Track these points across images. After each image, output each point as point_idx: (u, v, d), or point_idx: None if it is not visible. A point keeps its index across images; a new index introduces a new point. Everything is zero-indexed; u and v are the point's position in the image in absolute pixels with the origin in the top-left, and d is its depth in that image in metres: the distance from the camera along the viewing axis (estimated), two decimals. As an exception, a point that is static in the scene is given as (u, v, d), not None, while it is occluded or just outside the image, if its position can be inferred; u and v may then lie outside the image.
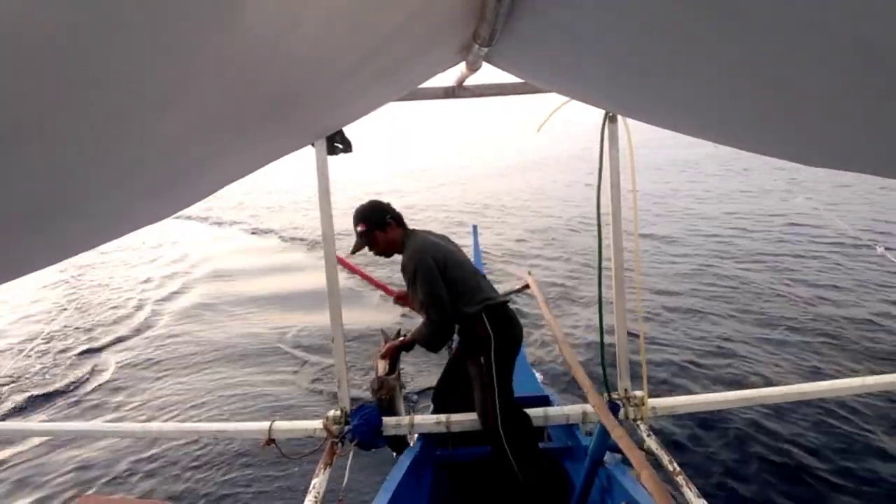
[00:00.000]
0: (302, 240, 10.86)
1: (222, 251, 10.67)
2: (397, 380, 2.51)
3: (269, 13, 0.49)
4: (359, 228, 2.28)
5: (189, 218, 13.94)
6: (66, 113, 0.42)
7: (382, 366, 2.48)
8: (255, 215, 14.51)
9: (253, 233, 12.48)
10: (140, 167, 0.60)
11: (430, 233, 2.41)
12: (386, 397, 2.42)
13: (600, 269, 2.20)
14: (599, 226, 2.18)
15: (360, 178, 17.43)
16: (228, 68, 0.54)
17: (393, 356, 2.49)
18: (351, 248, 2.35)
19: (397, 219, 2.31)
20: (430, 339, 2.24)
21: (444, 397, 2.59)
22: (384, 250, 2.32)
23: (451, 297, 2.16)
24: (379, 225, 2.26)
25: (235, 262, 9.65)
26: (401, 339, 2.48)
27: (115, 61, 0.40)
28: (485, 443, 2.26)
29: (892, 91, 0.57)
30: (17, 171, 0.43)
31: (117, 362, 5.43)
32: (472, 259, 2.96)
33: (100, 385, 4.96)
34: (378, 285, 3.05)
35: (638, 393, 2.28)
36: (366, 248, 2.33)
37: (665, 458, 1.98)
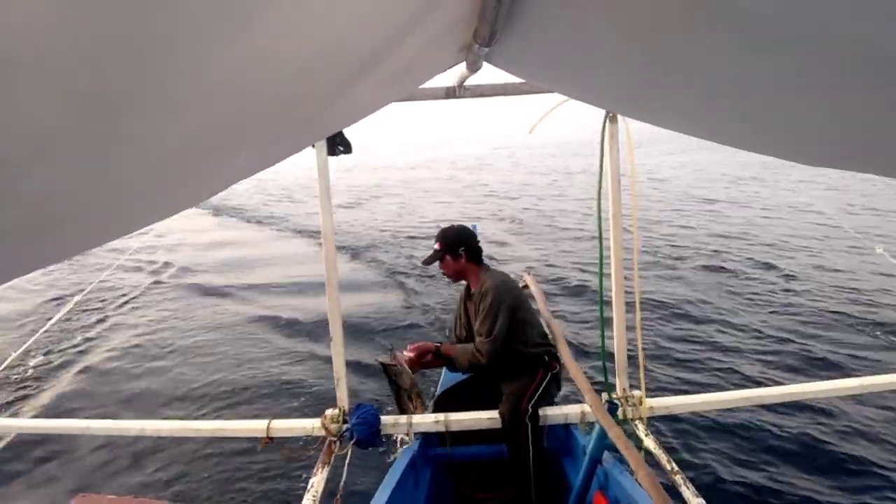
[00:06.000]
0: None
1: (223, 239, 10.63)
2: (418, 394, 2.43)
3: (270, 16, 0.49)
4: (436, 245, 2.46)
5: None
6: (69, 114, 0.41)
7: (409, 379, 2.39)
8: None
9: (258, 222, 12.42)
10: (141, 169, 0.60)
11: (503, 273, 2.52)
12: (406, 388, 2.41)
13: (601, 268, 2.20)
14: (600, 226, 2.18)
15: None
16: (230, 72, 0.54)
17: (420, 361, 2.41)
18: (424, 259, 2.53)
19: (472, 253, 2.43)
20: (470, 367, 2.32)
21: (445, 398, 2.60)
22: (449, 274, 2.50)
23: (512, 336, 2.27)
24: (452, 252, 2.42)
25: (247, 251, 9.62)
26: (437, 344, 2.44)
27: (119, 64, 0.40)
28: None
29: (892, 90, 0.57)
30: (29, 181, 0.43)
31: (107, 356, 5.41)
32: None
33: (96, 379, 4.95)
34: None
35: (636, 392, 2.28)
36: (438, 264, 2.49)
37: (663, 457, 1.99)
